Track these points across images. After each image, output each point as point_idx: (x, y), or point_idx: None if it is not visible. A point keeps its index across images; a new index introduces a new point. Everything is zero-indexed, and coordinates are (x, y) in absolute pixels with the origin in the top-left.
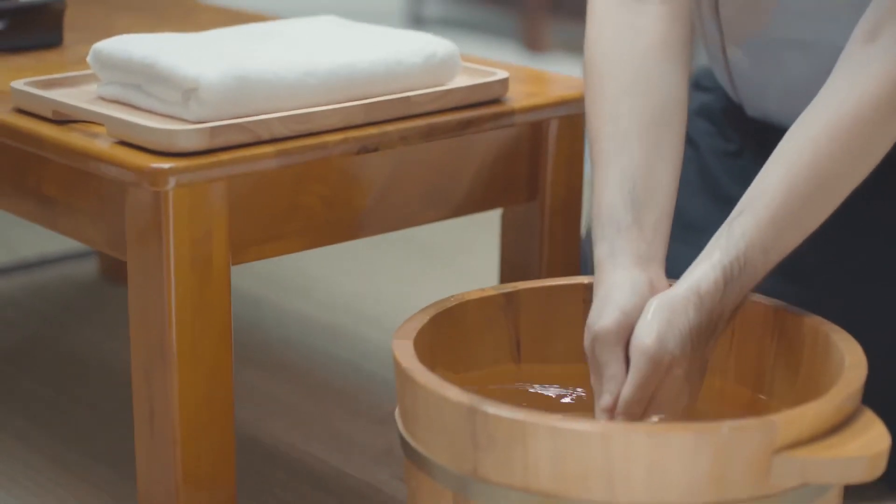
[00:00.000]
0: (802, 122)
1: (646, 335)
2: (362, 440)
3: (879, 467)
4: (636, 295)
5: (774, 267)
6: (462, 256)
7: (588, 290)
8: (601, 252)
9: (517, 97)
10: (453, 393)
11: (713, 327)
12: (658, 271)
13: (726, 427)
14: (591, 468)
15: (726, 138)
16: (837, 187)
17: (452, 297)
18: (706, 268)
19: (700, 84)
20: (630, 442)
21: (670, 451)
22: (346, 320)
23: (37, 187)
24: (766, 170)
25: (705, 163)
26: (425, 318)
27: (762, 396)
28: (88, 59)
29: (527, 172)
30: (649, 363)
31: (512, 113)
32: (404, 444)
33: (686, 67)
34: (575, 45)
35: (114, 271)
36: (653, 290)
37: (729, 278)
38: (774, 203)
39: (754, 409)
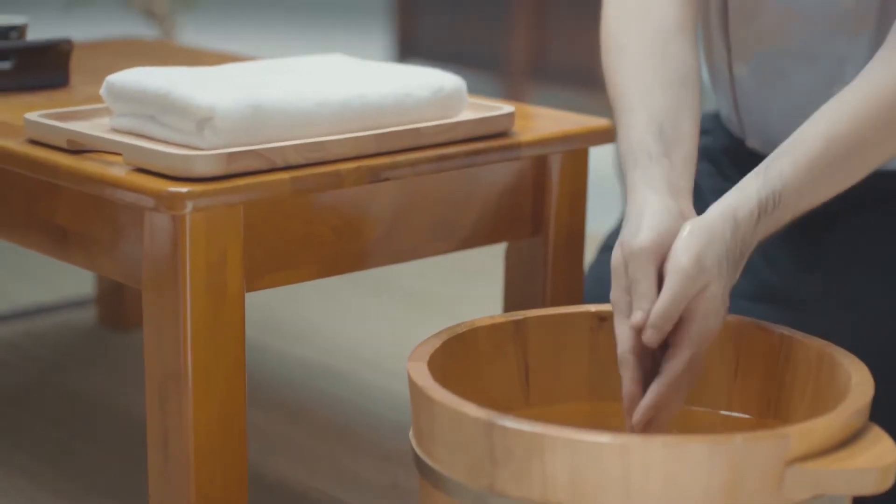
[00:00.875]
0: (843, 93)
1: (683, 252)
2: (367, 476)
3: (889, 479)
4: (670, 218)
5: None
6: (459, 307)
7: (595, 318)
8: (634, 177)
9: (522, 132)
10: (470, 409)
11: (741, 257)
12: (688, 203)
13: (740, 439)
14: (609, 480)
15: (726, 177)
16: (871, 154)
17: (463, 323)
18: (743, 197)
19: (701, 129)
20: (647, 453)
21: (686, 463)
22: (347, 364)
23: (49, 219)
24: (805, 126)
25: (707, 202)
26: (438, 343)
27: (767, 422)
28: (101, 91)
29: (531, 207)
30: (685, 279)
31: (518, 146)
32: (420, 463)
33: (696, 49)
34: (558, 110)
35: (111, 319)
36: (684, 218)
37: (763, 211)
38: (812, 152)
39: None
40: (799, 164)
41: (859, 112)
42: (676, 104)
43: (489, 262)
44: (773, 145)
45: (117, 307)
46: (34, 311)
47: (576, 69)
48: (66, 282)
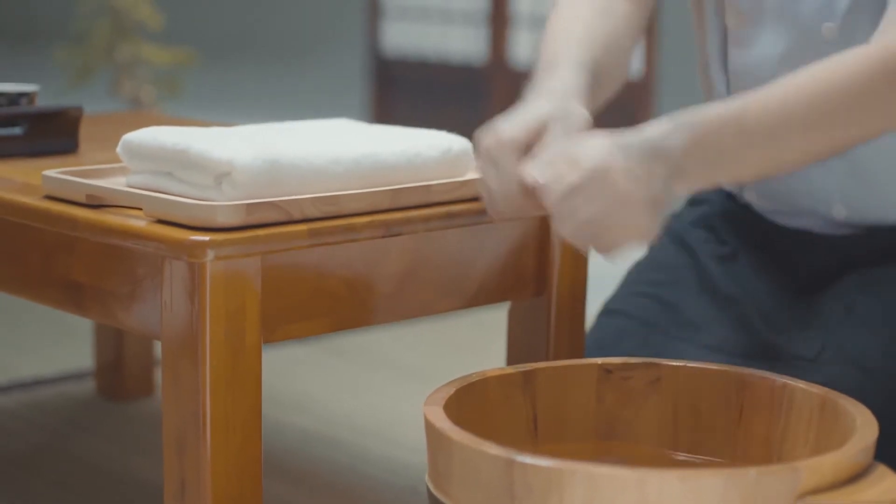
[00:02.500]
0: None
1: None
2: None
3: None
4: (542, 113)
5: None
6: (450, 379)
7: (601, 370)
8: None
9: None
10: (489, 447)
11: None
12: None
13: (754, 472)
14: None
15: (721, 242)
16: (794, 134)
17: (475, 373)
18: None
19: (696, 199)
20: (663, 486)
21: (701, 495)
22: (345, 432)
23: (65, 274)
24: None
25: (703, 267)
26: (451, 390)
27: None
28: (118, 149)
29: (534, 267)
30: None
31: None
32: None
33: (636, 21)
34: None
35: (110, 390)
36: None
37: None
38: (732, 107)
39: None
40: (716, 110)
41: (798, 86)
42: (606, 38)
43: (479, 335)
44: (769, 197)
45: (116, 379)
46: (34, 383)
47: None
48: (64, 356)
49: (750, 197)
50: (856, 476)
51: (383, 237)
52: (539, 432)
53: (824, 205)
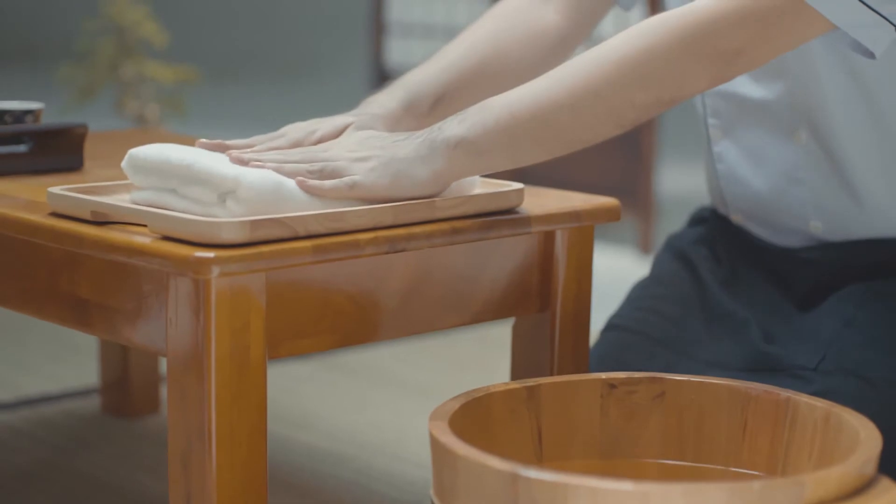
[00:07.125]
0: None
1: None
2: None
3: None
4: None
5: None
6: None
7: (605, 384)
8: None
9: (531, 209)
10: (494, 461)
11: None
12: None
13: (758, 485)
14: None
15: (720, 261)
16: (562, 119)
17: (479, 388)
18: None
19: (696, 218)
20: (667, 500)
21: None
22: (350, 447)
23: (71, 291)
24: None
25: (705, 283)
26: (456, 405)
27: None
28: (123, 164)
29: (538, 283)
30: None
31: (529, 221)
32: None
33: (550, 54)
34: None
35: (116, 407)
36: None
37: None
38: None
39: None
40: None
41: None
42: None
43: (484, 351)
44: (751, 217)
45: (121, 396)
46: (39, 400)
47: (557, 178)
48: (69, 373)
49: (737, 219)
50: (860, 489)
51: (387, 253)
52: (543, 447)
53: (801, 221)
